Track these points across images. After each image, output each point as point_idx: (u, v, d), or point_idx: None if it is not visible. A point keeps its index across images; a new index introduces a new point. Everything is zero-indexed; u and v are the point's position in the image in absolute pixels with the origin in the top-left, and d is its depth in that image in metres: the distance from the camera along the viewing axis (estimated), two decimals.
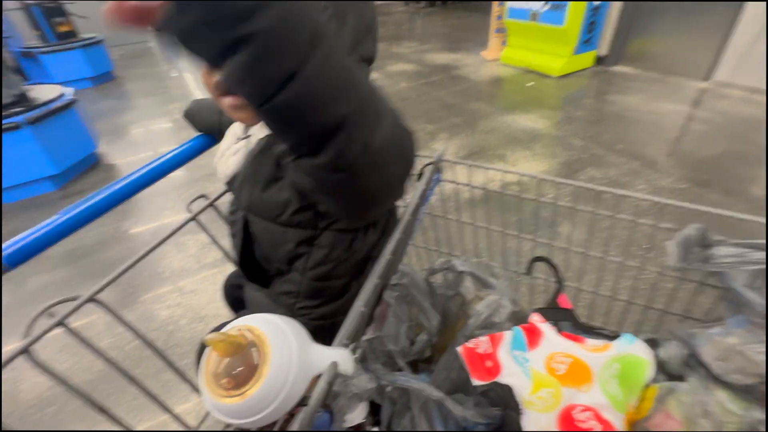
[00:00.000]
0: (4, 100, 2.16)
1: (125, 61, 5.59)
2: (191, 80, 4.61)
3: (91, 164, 2.70)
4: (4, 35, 2.09)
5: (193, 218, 0.56)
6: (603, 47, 3.84)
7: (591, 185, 0.56)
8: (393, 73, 4.21)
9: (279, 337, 0.29)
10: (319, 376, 0.30)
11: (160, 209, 2.22)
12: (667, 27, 3.45)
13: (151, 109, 3.85)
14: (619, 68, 3.85)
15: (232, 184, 0.54)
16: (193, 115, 0.69)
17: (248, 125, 0.52)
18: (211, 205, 0.60)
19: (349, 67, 0.30)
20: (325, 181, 0.33)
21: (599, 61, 3.90)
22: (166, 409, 0.51)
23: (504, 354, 0.50)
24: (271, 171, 0.47)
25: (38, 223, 1.55)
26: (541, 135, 2.71)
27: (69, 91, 2.47)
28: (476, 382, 0.48)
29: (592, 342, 0.53)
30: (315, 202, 0.46)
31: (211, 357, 0.28)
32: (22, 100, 2.26)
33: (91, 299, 0.40)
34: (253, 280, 0.58)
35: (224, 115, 0.65)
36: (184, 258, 1.84)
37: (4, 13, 4.03)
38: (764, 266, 0.46)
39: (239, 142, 0.53)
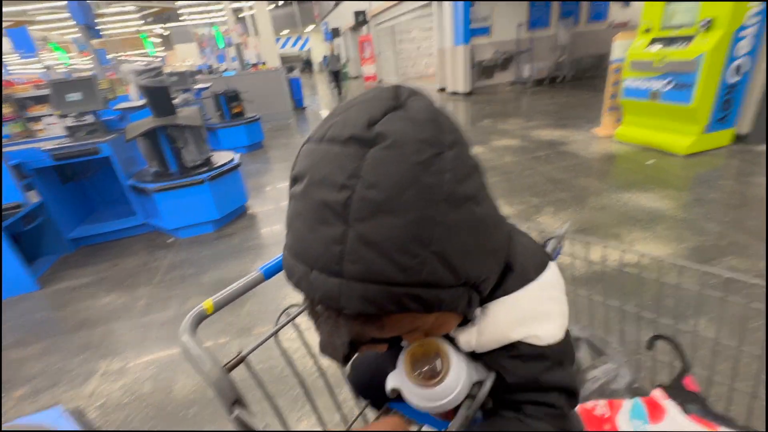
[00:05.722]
0: (199, 162, 2.93)
1: (272, 133, 6.94)
2: None
3: (240, 213, 3.35)
4: (206, 117, 2.87)
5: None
6: (743, 125, 3.46)
7: (719, 270, 0.58)
8: (497, 148, 4.39)
9: (451, 347, 0.41)
10: (477, 383, 0.41)
11: None
12: None
13: (283, 172, 4.66)
14: (764, 148, 3.39)
15: None
16: None
17: None
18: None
19: None
20: None
21: (739, 139, 3.51)
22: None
23: (623, 421, 0.52)
24: None
25: (199, 255, 2.01)
26: (664, 216, 2.49)
27: (237, 157, 3.21)
28: None
29: None
30: None
31: (407, 361, 0.42)
32: (207, 162, 3.02)
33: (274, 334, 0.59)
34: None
35: None
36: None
37: (204, 100, 5.50)
38: None
39: None
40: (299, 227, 0.34)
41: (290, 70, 10.54)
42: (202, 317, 0.47)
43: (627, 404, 0.54)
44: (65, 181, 3.11)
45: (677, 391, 0.56)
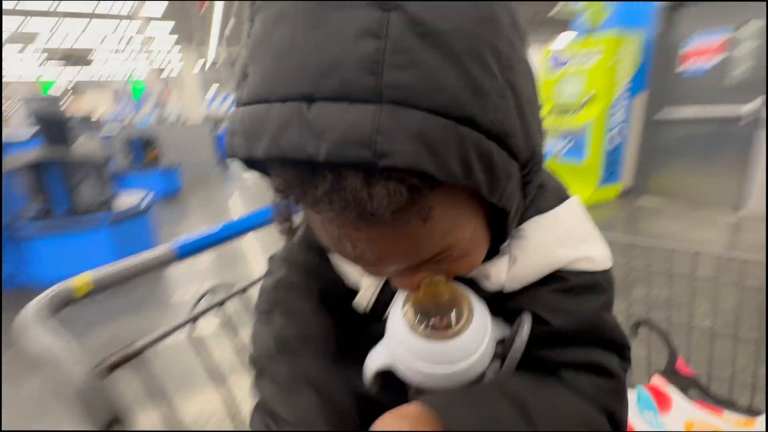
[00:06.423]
0: (98, 202, 2.51)
1: (192, 184, 6.43)
2: (237, 201, 5.20)
3: None
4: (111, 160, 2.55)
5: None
6: (627, 180, 4.11)
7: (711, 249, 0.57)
8: None
9: (475, 297, 0.30)
10: (501, 342, 0.30)
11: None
12: (688, 163, 3.72)
13: (203, 222, 4.27)
14: (646, 199, 4.03)
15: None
16: None
17: None
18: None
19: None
20: None
21: (624, 193, 4.13)
22: None
23: (632, 413, 0.44)
24: None
25: (87, 311, 1.59)
26: None
27: (148, 197, 2.83)
28: None
29: (731, 415, 0.46)
30: None
31: (409, 311, 0.29)
32: (108, 203, 2.60)
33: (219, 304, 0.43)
34: None
35: None
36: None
37: (112, 144, 4.95)
38: None
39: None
40: (284, 35, 0.19)
41: (215, 126, 10.22)
42: (65, 300, 0.30)
43: (631, 394, 0.47)
44: None
45: (675, 377, 0.51)
